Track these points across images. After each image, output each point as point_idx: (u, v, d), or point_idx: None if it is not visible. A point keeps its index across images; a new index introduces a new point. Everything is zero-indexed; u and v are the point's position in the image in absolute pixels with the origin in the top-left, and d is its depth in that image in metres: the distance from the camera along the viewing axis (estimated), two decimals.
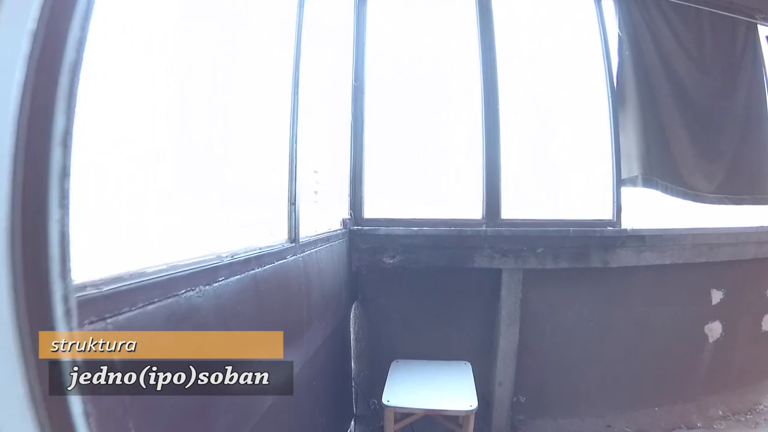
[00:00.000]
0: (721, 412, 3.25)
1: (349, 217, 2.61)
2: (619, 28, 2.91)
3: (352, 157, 2.67)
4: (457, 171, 2.73)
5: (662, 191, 2.87)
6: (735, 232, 3.19)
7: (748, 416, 3.25)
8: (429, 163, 2.71)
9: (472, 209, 2.67)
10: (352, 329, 2.73)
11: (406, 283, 2.63)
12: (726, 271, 3.19)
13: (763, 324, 3.68)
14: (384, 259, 2.52)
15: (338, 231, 2.39)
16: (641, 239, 2.69)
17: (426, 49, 2.77)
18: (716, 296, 3.28)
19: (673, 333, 3.14)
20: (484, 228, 2.56)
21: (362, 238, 2.54)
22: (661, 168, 2.88)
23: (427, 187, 2.72)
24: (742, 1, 3.52)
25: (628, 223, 2.79)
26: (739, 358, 3.53)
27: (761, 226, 3.41)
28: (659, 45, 3.00)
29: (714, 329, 3.31)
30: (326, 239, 2.12)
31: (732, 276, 3.29)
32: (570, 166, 2.79)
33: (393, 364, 2.48)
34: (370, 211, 2.67)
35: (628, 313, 2.94)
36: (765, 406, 3.41)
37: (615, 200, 2.76)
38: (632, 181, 2.80)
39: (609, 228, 2.69)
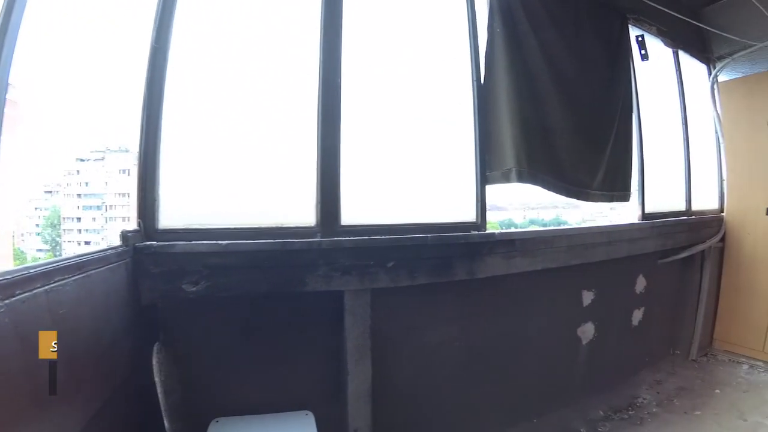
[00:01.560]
0: (602, 413, 3.19)
1: (137, 228, 1.85)
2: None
3: (142, 143, 1.85)
4: (287, 160, 2.07)
5: (542, 186, 2.51)
6: (608, 230, 2.99)
7: (630, 412, 3.21)
8: (247, 149, 2.01)
9: (303, 211, 2.03)
10: (157, 380, 2.00)
11: (221, 316, 1.93)
12: (597, 271, 3.00)
13: (632, 319, 3.64)
14: (184, 286, 1.78)
15: (108, 251, 1.65)
16: (511, 244, 2.30)
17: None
18: (587, 297, 3.12)
19: (547, 341, 2.92)
20: (318, 238, 1.94)
21: (153, 258, 1.77)
22: (543, 160, 2.52)
23: (244, 180, 2.00)
24: None
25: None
26: (612, 355, 3.50)
27: (632, 224, 3.29)
28: (534, 24, 2.64)
29: (587, 331, 3.16)
30: (76, 267, 1.39)
31: (602, 275, 3.15)
32: (430, 160, 2.30)
33: (212, 426, 1.82)
34: (169, 219, 1.90)
35: (499, 326, 2.58)
36: (644, 399, 3.41)
37: (479, 199, 2.34)
38: (504, 176, 2.38)
39: (474, 232, 2.26)
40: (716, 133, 4.64)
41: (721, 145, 4.62)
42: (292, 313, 1.99)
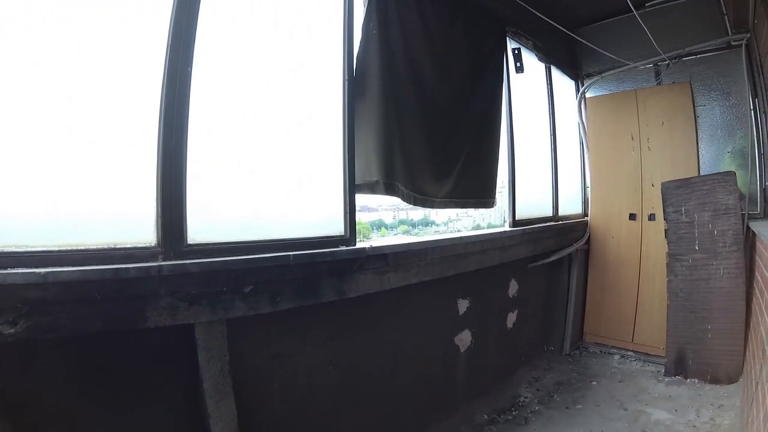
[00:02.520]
0: (486, 416, 3.21)
1: None
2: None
3: None
4: (121, 163, 1.64)
5: (401, 198, 2.47)
6: (481, 240, 3.03)
7: (514, 413, 3.25)
8: (73, 147, 1.55)
9: (142, 228, 1.67)
10: None
11: (53, 361, 1.55)
12: (471, 279, 3.03)
13: (507, 322, 3.75)
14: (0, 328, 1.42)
15: None
16: (383, 259, 2.21)
17: None
18: (463, 306, 3.14)
19: (426, 353, 2.87)
20: (159, 262, 1.62)
21: None
22: (403, 172, 2.48)
23: (68, 188, 1.55)
24: (498, 8, 3.51)
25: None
26: (491, 359, 3.56)
27: (504, 232, 3.39)
28: (406, 28, 2.60)
29: (464, 338, 3.19)
30: None
31: (477, 283, 3.19)
32: (294, 168, 2.11)
33: None
34: None
35: (376, 344, 2.49)
36: (525, 398, 3.49)
37: (347, 210, 2.21)
38: (370, 187, 2.30)
39: (342, 248, 2.11)
40: (581, 144, 5.07)
41: (585, 155, 5.04)
42: (137, 353, 1.67)
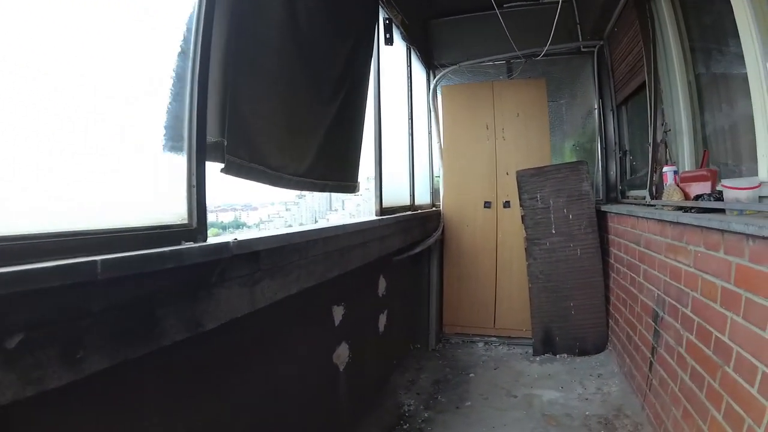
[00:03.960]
0: None
1: None
2: None
3: None
4: None
5: (244, 175, 1.74)
6: (363, 229, 2.49)
7: (405, 426, 2.89)
8: None
9: None
10: None
11: None
12: (345, 280, 2.45)
13: (379, 325, 3.33)
14: None
15: None
16: (254, 259, 1.49)
17: None
18: (338, 314, 2.56)
19: (303, 383, 2.18)
20: None
21: None
22: (246, 136, 1.77)
23: None
24: None
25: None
26: (369, 370, 3.08)
27: (381, 220, 2.90)
28: None
29: (342, 354, 2.61)
30: None
31: (349, 283, 2.63)
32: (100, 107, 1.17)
33: None
34: None
35: (244, 387, 1.71)
36: (409, 405, 3.12)
37: (194, 184, 1.38)
38: (214, 150, 1.54)
39: (190, 244, 1.28)
40: (430, 133, 4.93)
41: (434, 144, 4.93)
42: None
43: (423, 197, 4.72)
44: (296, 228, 1.92)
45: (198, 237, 1.38)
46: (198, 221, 1.39)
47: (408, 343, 4.20)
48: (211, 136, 1.49)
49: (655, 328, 2.66)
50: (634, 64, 3.63)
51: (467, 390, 3.33)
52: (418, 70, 4.75)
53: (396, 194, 3.82)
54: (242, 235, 1.50)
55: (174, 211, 1.36)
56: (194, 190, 1.37)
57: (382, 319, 3.39)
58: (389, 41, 3.44)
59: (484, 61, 4.80)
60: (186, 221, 1.37)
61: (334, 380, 2.55)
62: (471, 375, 3.60)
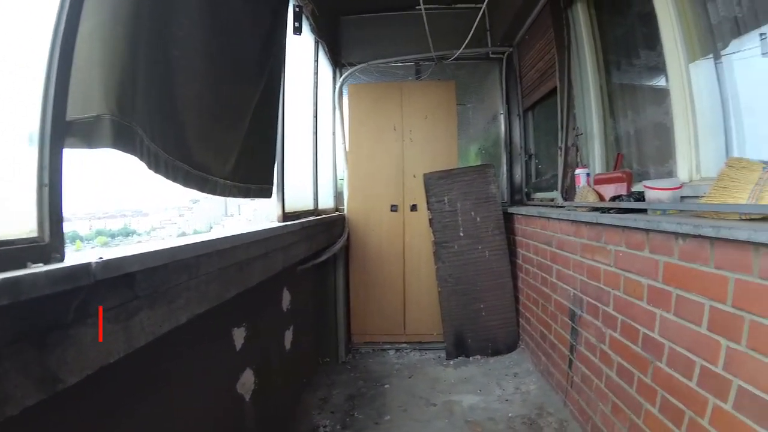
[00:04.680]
0: None
1: None
2: None
3: None
4: None
5: (150, 164, 1.37)
6: (265, 237, 2.16)
7: None
8: None
9: None
10: None
11: None
12: (247, 298, 2.12)
13: (285, 343, 3.00)
14: None
15: None
16: (128, 284, 1.11)
17: None
18: (239, 337, 2.21)
19: (205, 425, 1.81)
20: None
21: None
22: (160, 119, 1.40)
23: None
24: None
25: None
26: (277, 394, 2.74)
27: (284, 226, 2.57)
28: None
29: (247, 382, 2.27)
30: None
31: (251, 301, 2.30)
32: None
33: None
34: None
35: None
36: (324, 427, 2.85)
37: (46, 184, 0.96)
38: (86, 129, 1.13)
39: (39, 267, 0.87)
40: (334, 132, 4.68)
41: (338, 145, 4.69)
42: None
43: (327, 201, 4.44)
44: (183, 240, 1.53)
45: (52, 256, 0.99)
46: (51, 234, 1.00)
47: (317, 358, 3.91)
48: (87, 111, 1.09)
49: (572, 326, 2.66)
50: (545, 71, 3.72)
51: (384, 403, 3.13)
52: (325, 67, 4.49)
53: (299, 197, 3.50)
54: (110, 252, 1.11)
55: (15, 219, 0.97)
56: (46, 190, 0.98)
57: (288, 336, 3.06)
58: (298, 30, 3.13)
59: (393, 62, 4.69)
60: (36, 234, 0.98)
61: (241, 412, 2.19)
62: (386, 386, 3.41)
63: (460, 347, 3.88)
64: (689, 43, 2.06)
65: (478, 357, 3.83)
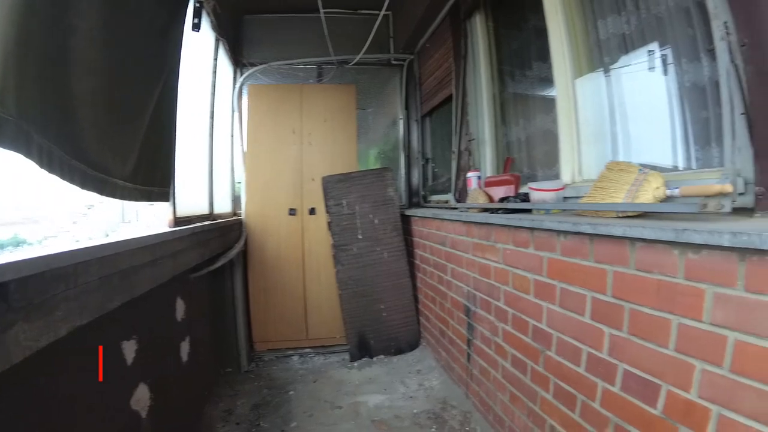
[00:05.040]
0: None
1: None
2: None
3: None
4: None
5: (42, 163, 1.23)
6: (152, 243, 2.00)
7: None
8: None
9: None
10: None
11: None
12: (136, 308, 1.97)
13: (182, 354, 2.83)
14: None
15: None
16: (2, 293, 0.98)
17: None
18: (130, 350, 2.04)
19: None
20: None
21: None
22: (52, 112, 1.25)
23: None
24: None
25: None
26: (177, 409, 2.58)
27: (173, 232, 2.40)
28: None
29: (142, 398, 2.11)
30: None
31: (142, 311, 2.15)
32: None
33: None
34: None
35: None
36: None
37: None
38: None
39: None
40: (232, 134, 4.49)
41: (236, 147, 4.51)
42: None
43: (224, 205, 4.25)
44: (60, 247, 1.37)
45: None
46: None
47: (218, 369, 3.72)
48: None
49: (468, 321, 2.80)
50: (442, 78, 3.89)
51: (290, 410, 3.06)
52: (225, 66, 4.30)
53: (193, 202, 3.31)
54: None
55: None
56: None
57: (185, 348, 2.87)
58: (197, 27, 2.97)
59: (295, 63, 4.64)
60: None
61: (138, 431, 2.01)
62: (291, 392, 3.34)
63: (363, 348, 3.90)
64: (576, 57, 2.25)
65: (382, 357, 3.88)
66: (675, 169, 1.74)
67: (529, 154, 2.86)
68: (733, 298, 1.09)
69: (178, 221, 2.72)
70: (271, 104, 4.34)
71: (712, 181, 1.37)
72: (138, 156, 1.91)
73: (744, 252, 1.06)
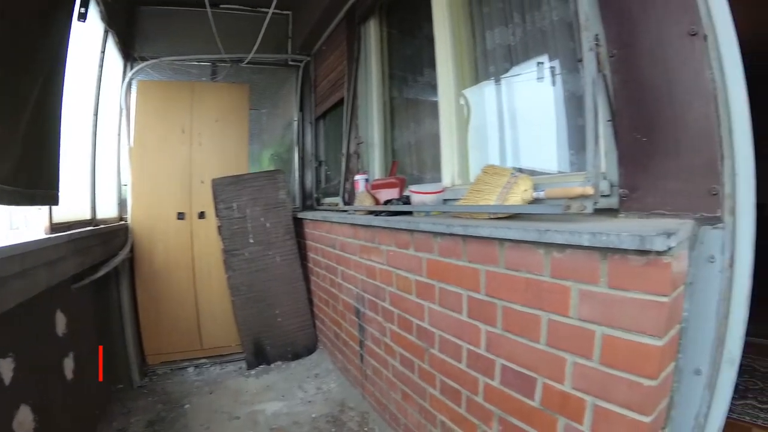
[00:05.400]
0: None
1: None
2: None
3: None
4: None
5: None
6: (18, 253, 1.82)
7: None
8: None
9: None
10: None
11: None
12: (7, 323, 1.80)
13: (66, 371, 2.61)
14: None
15: None
16: None
17: None
18: (7, 370, 1.88)
19: None
20: None
21: None
22: None
23: None
24: None
25: None
26: (65, 430, 2.41)
27: (47, 239, 2.21)
28: None
29: (24, 420, 1.94)
30: None
31: (15, 327, 1.97)
32: None
33: None
34: None
35: None
36: None
37: None
38: None
39: None
40: (119, 133, 4.16)
41: (122, 147, 4.21)
42: None
43: (108, 209, 3.96)
44: None
45: None
46: None
47: (108, 386, 3.44)
48: None
49: (359, 323, 2.88)
50: (336, 81, 3.92)
51: (186, 424, 2.94)
52: (114, 60, 4.00)
53: (73, 205, 3.05)
54: None
55: None
56: None
57: (69, 364, 2.64)
58: (83, 17, 2.71)
59: (188, 60, 4.45)
60: None
61: None
62: (186, 406, 3.20)
63: (260, 356, 3.83)
64: (460, 66, 2.39)
65: (280, 363, 3.84)
66: (559, 173, 1.86)
67: (418, 157, 2.99)
68: (598, 295, 1.18)
69: (55, 227, 2.52)
70: (161, 102, 4.11)
71: (577, 184, 1.46)
72: (19, 156, 1.74)
73: (605, 251, 1.15)
